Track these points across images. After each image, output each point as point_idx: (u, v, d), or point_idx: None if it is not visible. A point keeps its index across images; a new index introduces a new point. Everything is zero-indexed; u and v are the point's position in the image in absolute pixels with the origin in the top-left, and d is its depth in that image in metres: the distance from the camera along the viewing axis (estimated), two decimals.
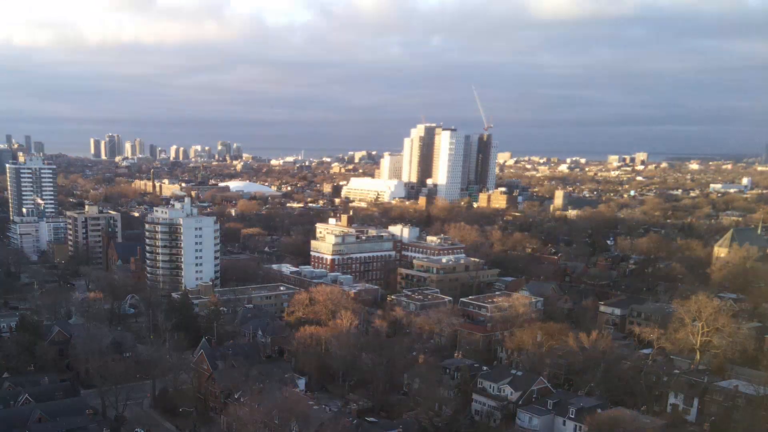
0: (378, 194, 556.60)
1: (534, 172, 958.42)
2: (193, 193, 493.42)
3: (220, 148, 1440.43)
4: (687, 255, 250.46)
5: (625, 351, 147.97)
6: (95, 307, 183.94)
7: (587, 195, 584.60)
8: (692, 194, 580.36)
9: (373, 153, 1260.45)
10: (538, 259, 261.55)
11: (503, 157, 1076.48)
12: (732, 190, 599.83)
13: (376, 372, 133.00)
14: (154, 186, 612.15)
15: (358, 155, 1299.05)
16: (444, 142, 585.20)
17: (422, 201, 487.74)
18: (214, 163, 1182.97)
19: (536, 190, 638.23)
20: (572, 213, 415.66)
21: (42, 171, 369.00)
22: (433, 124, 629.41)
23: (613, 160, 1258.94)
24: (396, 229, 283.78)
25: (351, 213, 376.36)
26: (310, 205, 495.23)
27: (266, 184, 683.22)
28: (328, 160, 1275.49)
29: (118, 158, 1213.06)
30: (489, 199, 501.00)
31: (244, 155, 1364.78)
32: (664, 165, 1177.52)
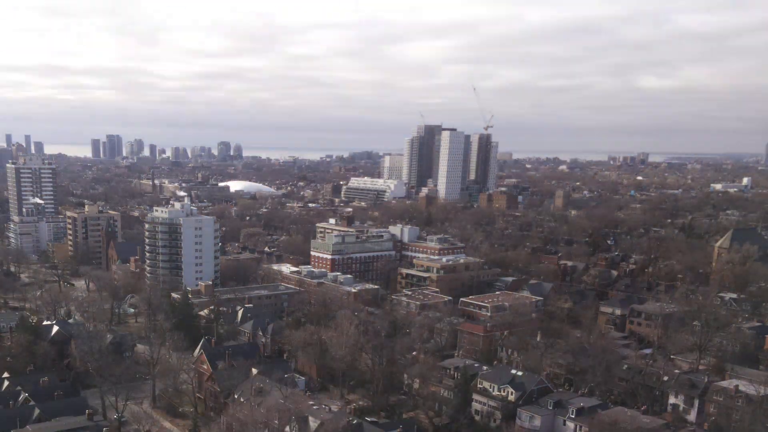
0: (378, 194, 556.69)
1: (534, 172, 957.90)
2: (193, 193, 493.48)
3: (219, 147, 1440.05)
4: (687, 255, 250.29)
5: (625, 351, 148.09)
6: (95, 307, 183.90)
7: (588, 195, 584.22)
8: (692, 194, 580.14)
9: (373, 153, 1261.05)
10: (538, 259, 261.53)
11: (504, 157, 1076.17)
12: (732, 190, 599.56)
13: (376, 372, 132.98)
14: (154, 186, 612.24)
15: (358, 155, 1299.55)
16: (444, 142, 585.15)
17: (422, 201, 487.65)
18: (214, 162, 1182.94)
19: (536, 189, 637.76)
20: (572, 213, 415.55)
21: (42, 171, 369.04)
22: (434, 124, 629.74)
23: (614, 159, 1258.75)
24: (396, 229, 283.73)
25: (351, 213, 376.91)
26: (310, 205, 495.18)
27: (266, 183, 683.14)
28: (329, 159, 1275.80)
29: (117, 158, 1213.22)
30: (489, 199, 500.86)
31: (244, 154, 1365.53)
32: (664, 165, 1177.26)
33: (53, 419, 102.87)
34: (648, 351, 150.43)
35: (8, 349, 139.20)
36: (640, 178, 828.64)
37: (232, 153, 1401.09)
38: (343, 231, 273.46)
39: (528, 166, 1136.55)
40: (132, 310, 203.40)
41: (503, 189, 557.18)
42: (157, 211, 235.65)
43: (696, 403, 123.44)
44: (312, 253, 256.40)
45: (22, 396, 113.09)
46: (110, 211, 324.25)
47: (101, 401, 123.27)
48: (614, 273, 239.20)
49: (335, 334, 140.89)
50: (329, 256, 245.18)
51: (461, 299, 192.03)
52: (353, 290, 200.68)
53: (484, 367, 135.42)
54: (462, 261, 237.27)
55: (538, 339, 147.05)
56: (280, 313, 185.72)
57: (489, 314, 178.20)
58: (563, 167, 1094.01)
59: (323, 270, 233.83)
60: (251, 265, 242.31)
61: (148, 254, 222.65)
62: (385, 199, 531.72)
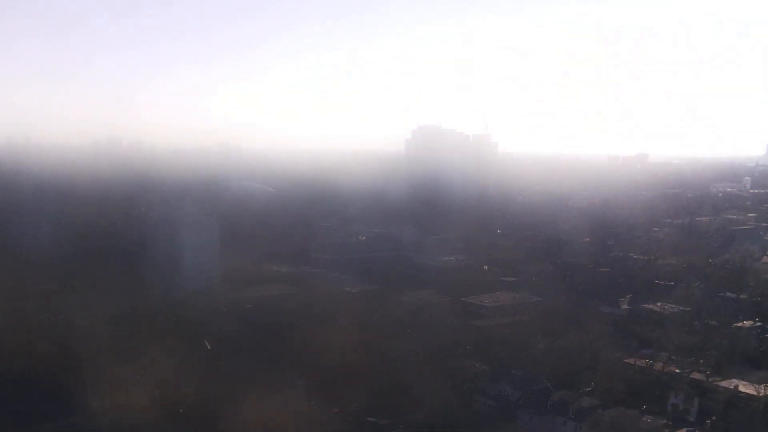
0: (379, 194, 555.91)
1: (534, 172, 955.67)
2: (194, 194, 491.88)
3: (219, 147, 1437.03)
4: (687, 255, 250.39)
5: (625, 351, 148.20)
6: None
7: (588, 195, 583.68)
8: (692, 194, 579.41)
9: (374, 152, 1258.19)
10: (539, 259, 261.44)
11: (503, 157, 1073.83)
12: (732, 190, 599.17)
13: (376, 372, 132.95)
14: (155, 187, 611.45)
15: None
16: (444, 142, 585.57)
17: (422, 201, 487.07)
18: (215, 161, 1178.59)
19: (536, 189, 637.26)
20: (573, 212, 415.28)
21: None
22: (433, 124, 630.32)
23: (614, 159, 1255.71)
24: (396, 229, 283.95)
25: (351, 213, 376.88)
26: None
27: (266, 184, 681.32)
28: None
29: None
30: (489, 199, 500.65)
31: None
32: (664, 165, 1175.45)
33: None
34: (648, 351, 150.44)
35: None
36: (639, 177, 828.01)
37: (232, 153, 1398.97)
38: (343, 232, 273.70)
39: (528, 166, 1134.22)
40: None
41: (503, 188, 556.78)
42: (158, 211, 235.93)
43: (696, 403, 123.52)
44: (312, 254, 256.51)
45: None
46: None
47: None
48: (614, 273, 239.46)
49: (335, 334, 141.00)
50: (330, 257, 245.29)
51: (461, 299, 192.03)
52: (354, 291, 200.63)
53: (485, 367, 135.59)
54: (462, 261, 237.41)
55: (538, 339, 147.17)
56: (281, 314, 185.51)
57: (489, 314, 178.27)
58: (563, 168, 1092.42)
59: (324, 270, 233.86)
60: (252, 266, 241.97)
61: (148, 255, 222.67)
62: (386, 200, 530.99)
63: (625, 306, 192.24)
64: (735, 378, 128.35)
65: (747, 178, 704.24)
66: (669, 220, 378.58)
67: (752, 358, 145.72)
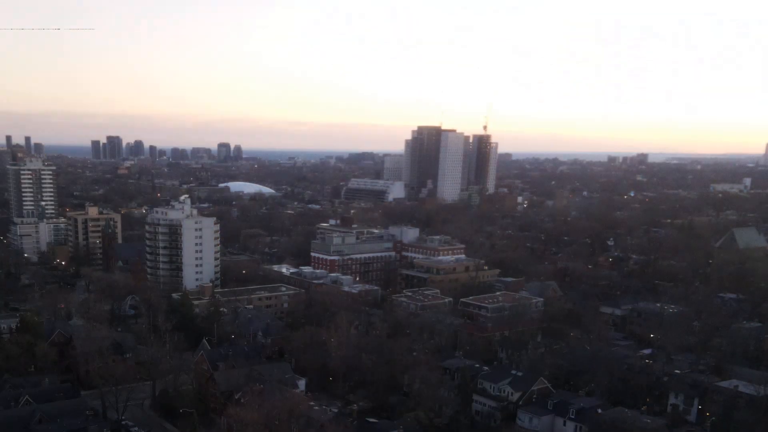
0: (378, 195, 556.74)
1: (534, 173, 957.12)
2: (193, 194, 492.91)
3: (219, 148, 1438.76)
4: (687, 255, 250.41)
5: (625, 351, 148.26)
6: (96, 308, 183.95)
7: (587, 195, 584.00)
8: (692, 194, 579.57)
9: (372, 153, 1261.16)
10: (539, 259, 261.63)
11: (503, 158, 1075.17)
12: (732, 190, 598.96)
13: (376, 372, 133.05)
14: (154, 187, 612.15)
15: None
16: (444, 143, 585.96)
17: (422, 201, 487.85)
18: (214, 163, 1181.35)
19: (536, 190, 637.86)
20: (572, 213, 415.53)
21: (42, 172, 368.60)
22: (434, 125, 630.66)
23: (614, 159, 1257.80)
24: (396, 230, 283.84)
25: (351, 213, 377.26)
26: (310, 206, 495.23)
27: (266, 184, 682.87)
28: (329, 160, 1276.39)
29: (117, 159, 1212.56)
30: (489, 200, 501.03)
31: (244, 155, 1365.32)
32: (664, 165, 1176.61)
33: (53, 421, 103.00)
34: (648, 351, 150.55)
35: (9, 350, 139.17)
36: (639, 177, 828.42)
37: (232, 154, 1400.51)
38: (343, 232, 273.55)
39: (528, 166, 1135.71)
40: (132, 311, 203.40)
41: (503, 190, 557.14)
42: (157, 212, 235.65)
43: (696, 403, 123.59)
44: (312, 254, 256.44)
45: (23, 397, 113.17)
46: (110, 213, 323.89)
47: (101, 402, 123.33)
48: (614, 273, 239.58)
49: (335, 335, 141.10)
50: (329, 257, 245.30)
51: (461, 300, 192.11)
52: (353, 291, 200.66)
53: (485, 367, 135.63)
54: (462, 261, 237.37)
55: (539, 339, 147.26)
56: (281, 314, 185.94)
57: (489, 315, 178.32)
58: (563, 168, 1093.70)
59: (323, 271, 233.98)
60: (251, 266, 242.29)
61: (148, 255, 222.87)
62: (386, 200, 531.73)
63: (625, 306, 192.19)
64: (735, 378, 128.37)
65: (747, 178, 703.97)
66: (669, 220, 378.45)
67: (752, 358, 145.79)
